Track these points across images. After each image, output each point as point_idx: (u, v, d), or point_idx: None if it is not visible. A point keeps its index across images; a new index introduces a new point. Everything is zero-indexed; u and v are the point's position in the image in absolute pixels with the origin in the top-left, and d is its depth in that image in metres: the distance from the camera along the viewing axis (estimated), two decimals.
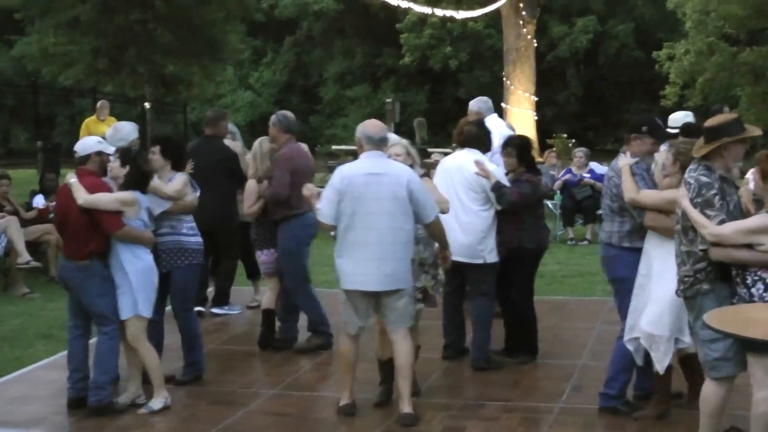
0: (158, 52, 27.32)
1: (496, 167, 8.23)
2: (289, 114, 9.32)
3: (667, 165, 6.64)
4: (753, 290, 5.64)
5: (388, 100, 27.09)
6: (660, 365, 6.53)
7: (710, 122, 6.05)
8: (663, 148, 7.29)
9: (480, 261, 8.12)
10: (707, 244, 5.74)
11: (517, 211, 8.06)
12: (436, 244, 7.27)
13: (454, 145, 9.18)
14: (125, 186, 7.14)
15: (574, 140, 31.78)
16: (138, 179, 7.15)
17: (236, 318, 10.45)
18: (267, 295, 9.18)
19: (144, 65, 27.16)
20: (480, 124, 8.68)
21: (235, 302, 10.72)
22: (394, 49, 44.57)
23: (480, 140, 8.35)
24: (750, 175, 9.46)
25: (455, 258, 7.68)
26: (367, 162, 6.88)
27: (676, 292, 6.04)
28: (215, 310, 10.60)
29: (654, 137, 6.95)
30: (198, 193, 7.96)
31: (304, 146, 9.28)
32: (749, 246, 5.62)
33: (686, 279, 5.92)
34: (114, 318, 7.17)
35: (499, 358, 8.31)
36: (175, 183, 7.69)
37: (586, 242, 15.37)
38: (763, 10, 27.32)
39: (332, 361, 8.51)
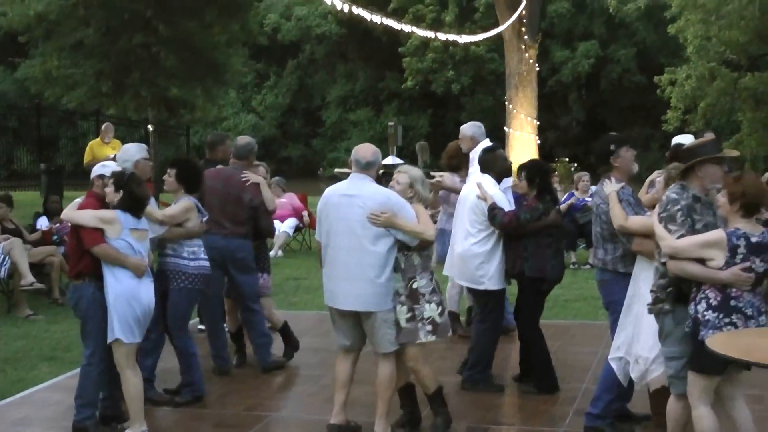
0: (161, 75, 27.38)
1: (499, 191, 8.24)
2: (241, 140, 9.38)
3: (658, 189, 6.72)
4: (698, 307, 5.72)
5: (390, 123, 27.08)
6: (639, 382, 6.62)
7: (688, 144, 6.26)
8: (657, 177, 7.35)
9: (481, 287, 8.17)
10: (666, 257, 5.86)
11: (518, 236, 7.99)
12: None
13: (432, 173, 9.32)
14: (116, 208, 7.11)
15: (576, 164, 31.84)
16: (130, 203, 7.05)
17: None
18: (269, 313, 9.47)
19: (147, 88, 27.21)
20: (490, 150, 8.74)
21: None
22: (397, 73, 44.78)
23: (489, 165, 8.41)
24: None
25: (459, 281, 7.79)
26: (346, 183, 7.02)
27: (647, 308, 6.15)
28: (201, 327, 10.62)
29: (624, 145, 7.01)
30: (205, 218, 8.02)
31: (223, 168, 9.44)
32: (702, 262, 5.69)
33: (652, 295, 6.09)
34: (92, 343, 7.11)
35: (492, 383, 8.29)
36: (171, 208, 7.74)
37: (588, 266, 15.35)
38: (764, 35, 27.46)
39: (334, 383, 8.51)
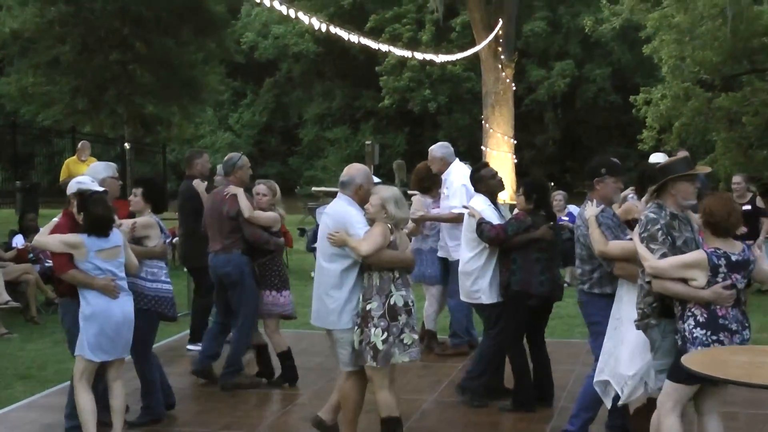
0: (138, 92, 27.40)
1: (487, 207, 8.30)
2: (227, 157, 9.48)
3: (641, 209, 6.77)
4: (685, 325, 5.79)
5: (367, 142, 27.17)
6: (624, 400, 6.64)
7: (661, 163, 6.37)
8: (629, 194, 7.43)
9: (476, 301, 8.31)
10: (650, 276, 5.94)
11: (509, 250, 8.01)
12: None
13: (410, 192, 9.36)
14: (82, 230, 7.07)
15: (552, 183, 31.96)
16: (90, 225, 7.01)
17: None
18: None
19: (123, 106, 27.22)
20: (476, 169, 8.81)
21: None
22: (374, 92, 44.86)
23: (478, 184, 8.61)
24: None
25: (462, 298, 8.33)
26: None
27: (635, 323, 6.23)
28: (189, 347, 10.66)
29: (615, 176, 7.05)
30: (168, 240, 8.02)
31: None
32: (685, 281, 5.76)
33: (638, 311, 6.17)
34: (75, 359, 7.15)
35: (480, 397, 8.29)
36: (124, 226, 7.65)
37: (565, 285, 15.41)
38: (737, 56, 27.70)
39: (310, 402, 8.50)
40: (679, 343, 5.83)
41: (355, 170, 7.06)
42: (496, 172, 8.72)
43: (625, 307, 6.59)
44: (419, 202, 10.20)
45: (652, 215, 6.03)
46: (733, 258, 5.72)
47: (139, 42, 26.78)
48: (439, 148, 10.14)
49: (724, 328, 5.72)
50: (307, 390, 8.90)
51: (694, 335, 5.74)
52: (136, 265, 7.40)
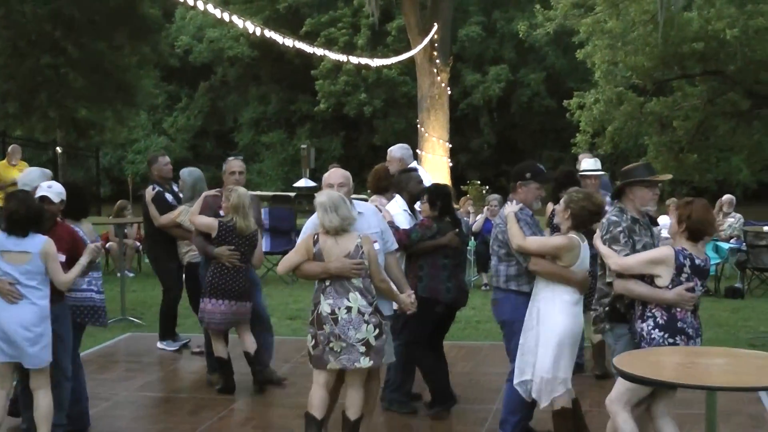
0: (70, 96, 27.08)
1: (402, 211, 8.25)
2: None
3: (557, 211, 6.86)
4: (644, 325, 5.87)
5: (303, 146, 27.19)
6: (544, 403, 6.70)
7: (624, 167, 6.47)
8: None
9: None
10: (613, 277, 6.01)
11: (417, 256, 7.89)
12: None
13: (368, 191, 9.23)
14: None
15: (487, 187, 32.18)
16: (5, 219, 6.74)
17: (148, 365, 10.31)
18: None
19: (55, 109, 26.88)
20: (405, 171, 8.78)
21: (183, 338, 10.94)
22: (309, 96, 44.80)
23: (402, 186, 8.46)
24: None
25: None
26: None
27: (592, 328, 6.39)
28: (159, 345, 10.85)
29: (538, 182, 7.12)
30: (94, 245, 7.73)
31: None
32: (651, 282, 5.84)
33: (594, 315, 6.28)
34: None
35: (407, 404, 8.28)
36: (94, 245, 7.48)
37: (484, 288, 15.51)
38: (667, 62, 28.15)
39: (248, 408, 8.46)
40: (637, 342, 5.91)
41: (328, 175, 7.14)
42: (422, 178, 8.70)
43: (542, 305, 6.64)
44: (377, 202, 10.13)
45: (614, 218, 6.14)
46: (697, 262, 5.81)
47: (71, 45, 26.47)
48: (398, 149, 10.05)
49: (681, 331, 5.79)
50: (244, 395, 8.84)
51: (652, 336, 5.80)
52: (62, 282, 6.88)
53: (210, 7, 15.10)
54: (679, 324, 5.80)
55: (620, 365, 5.17)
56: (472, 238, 16.07)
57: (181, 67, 45.17)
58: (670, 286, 5.78)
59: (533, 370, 6.71)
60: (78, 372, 7.70)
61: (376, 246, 6.73)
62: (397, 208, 8.24)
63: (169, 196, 10.54)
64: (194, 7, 15.40)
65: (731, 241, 16.38)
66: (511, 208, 6.96)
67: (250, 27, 17.51)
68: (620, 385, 5.95)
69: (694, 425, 7.37)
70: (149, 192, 10.54)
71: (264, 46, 40.02)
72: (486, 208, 16.26)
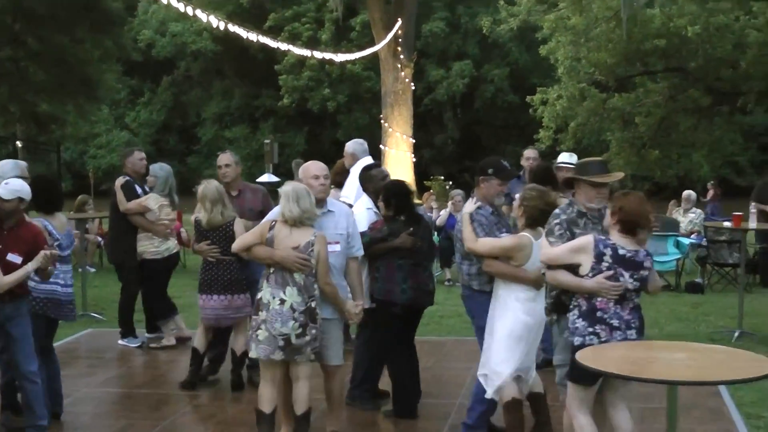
0: (31, 90, 26.81)
1: (366, 210, 8.19)
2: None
3: (514, 208, 6.90)
4: (570, 315, 5.92)
5: (266, 141, 27.06)
6: (496, 396, 6.77)
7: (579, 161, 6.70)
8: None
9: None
10: (545, 268, 6.11)
11: (374, 258, 7.74)
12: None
13: (332, 186, 9.17)
14: None
15: (450, 182, 32.25)
16: None
17: (110, 361, 10.25)
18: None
19: (15, 103, 26.60)
20: (368, 168, 8.73)
21: (142, 335, 10.90)
22: (273, 91, 44.71)
23: (365, 184, 8.44)
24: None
25: None
26: None
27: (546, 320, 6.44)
28: (120, 341, 10.81)
29: (500, 178, 7.11)
30: (57, 243, 7.58)
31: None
32: (576, 272, 5.86)
33: (545, 307, 6.35)
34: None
35: (369, 400, 8.27)
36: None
37: (448, 284, 15.56)
38: (630, 58, 28.33)
39: (210, 402, 8.43)
40: (566, 334, 5.95)
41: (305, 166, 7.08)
42: (388, 174, 8.64)
43: (499, 303, 6.74)
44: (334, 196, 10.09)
45: (557, 210, 6.20)
46: (620, 252, 5.74)
47: (32, 38, 26.21)
48: (351, 144, 10.13)
49: (601, 321, 5.75)
50: (206, 391, 8.82)
51: (576, 325, 5.82)
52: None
53: (173, 1, 15.00)
54: (599, 314, 5.75)
55: (582, 359, 5.20)
56: (436, 233, 16.08)
57: (143, 61, 44.88)
58: (590, 275, 5.77)
59: (487, 366, 6.81)
60: (50, 365, 7.67)
61: (336, 248, 6.75)
62: (361, 207, 8.20)
63: (138, 189, 10.46)
64: (157, 1, 15.31)
65: (692, 236, 16.50)
66: (467, 207, 6.99)
67: (214, 21, 17.42)
68: (569, 386, 5.99)
69: (656, 419, 7.43)
70: (119, 180, 10.46)
71: (227, 41, 39.86)
72: (450, 203, 16.31)
